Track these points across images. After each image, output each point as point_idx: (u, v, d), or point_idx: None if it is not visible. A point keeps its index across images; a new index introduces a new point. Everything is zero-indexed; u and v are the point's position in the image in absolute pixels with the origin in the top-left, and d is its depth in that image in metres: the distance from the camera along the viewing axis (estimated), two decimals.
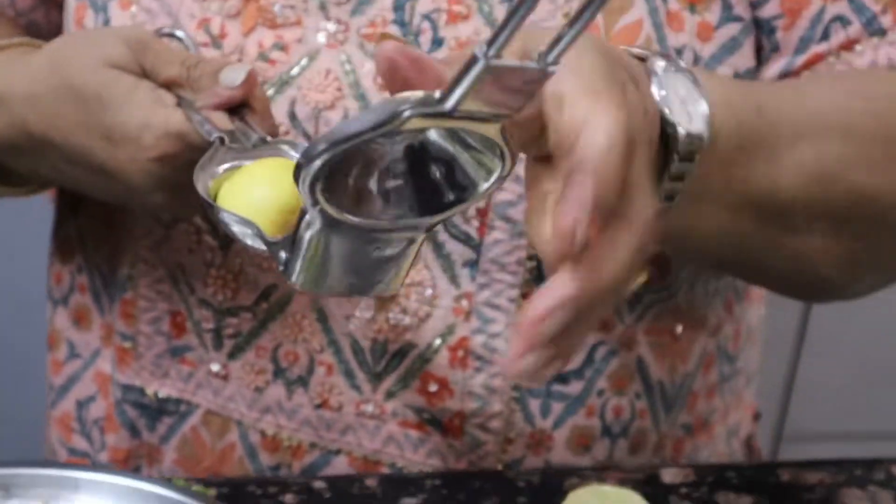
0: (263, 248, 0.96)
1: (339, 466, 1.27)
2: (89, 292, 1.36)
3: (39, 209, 1.49)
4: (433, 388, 1.23)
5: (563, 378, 1.24)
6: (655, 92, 0.93)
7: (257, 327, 1.26)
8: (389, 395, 1.24)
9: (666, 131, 0.94)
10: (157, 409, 1.32)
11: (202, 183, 1.03)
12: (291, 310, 1.24)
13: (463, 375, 1.23)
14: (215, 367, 1.28)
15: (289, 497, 1.17)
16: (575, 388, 1.25)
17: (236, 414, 1.29)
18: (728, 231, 1.04)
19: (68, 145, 1.11)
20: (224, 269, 1.25)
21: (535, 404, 1.25)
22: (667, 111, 0.93)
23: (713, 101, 0.96)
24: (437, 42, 1.17)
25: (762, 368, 1.50)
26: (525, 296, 1.21)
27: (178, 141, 1.08)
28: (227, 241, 1.24)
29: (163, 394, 1.31)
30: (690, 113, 0.95)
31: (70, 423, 1.41)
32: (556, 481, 1.20)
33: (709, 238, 1.05)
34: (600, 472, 1.22)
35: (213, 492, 1.14)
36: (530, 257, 1.20)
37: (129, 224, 1.29)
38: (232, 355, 1.27)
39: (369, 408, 1.25)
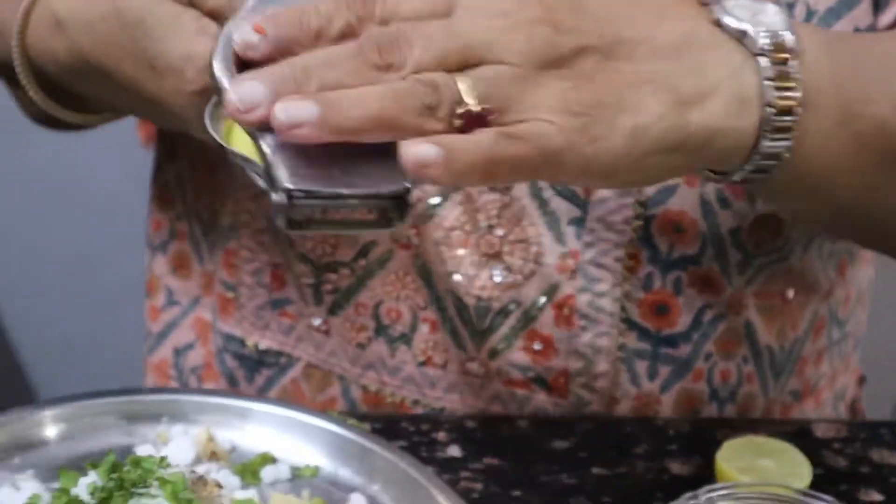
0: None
1: None
2: (189, 240, 1.36)
3: (142, 155, 1.49)
4: (538, 346, 1.22)
5: (670, 341, 1.23)
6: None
7: (356, 284, 1.25)
8: (493, 353, 1.23)
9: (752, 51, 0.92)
10: (256, 361, 1.32)
11: (212, 123, 0.97)
12: (392, 266, 1.23)
13: (568, 334, 1.21)
14: (316, 322, 1.28)
15: (441, 434, 1.18)
16: (682, 350, 1.23)
17: (338, 369, 1.29)
18: (848, 167, 0.99)
19: (119, 73, 1.07)
20: None
21: (641, 366, 1.23)
22: (730, 22, 0.92)
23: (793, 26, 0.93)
24: None
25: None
26: (631, 256, 1.20)
27: None
28: None
29: (263, 345, 1.31)
30: (763, 21, 0.93)
31: (167, 370, 1.41)
32: (708, 431, 1.20)
33: (827, 176, 0.99)
34: (752, 424, 1.22)
35: (366, 426, 1.16)
36: (637, 216, 1.18)
37: (230, 170, 1.28)
38: (332, 311, 1.27)
39: (474, 366, 1.24)
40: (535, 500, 1.12)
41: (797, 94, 0.92)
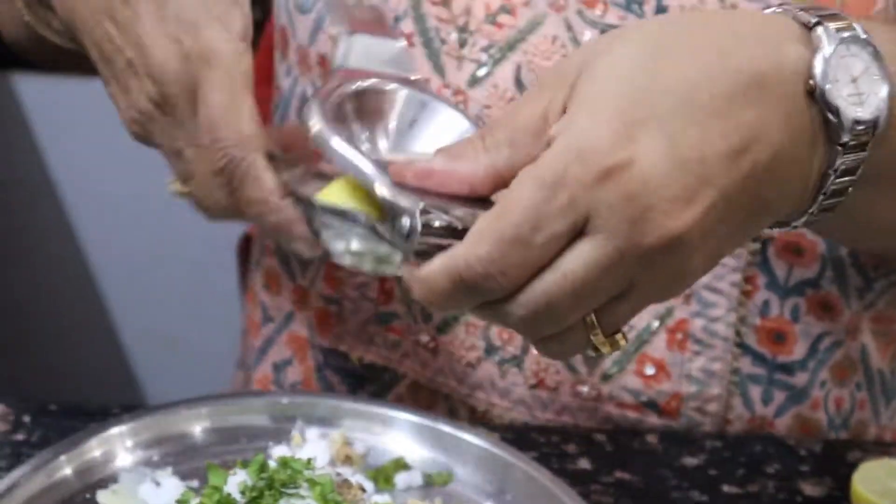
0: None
1: None
2: (276, 256, 1.34)
3: None
4: (650, 370, 1.21)
5: (786, 368, 1.22)
6: (818, 68, 0.87)
7: None
8: (605, 377, 1.22)
9: (827, 115, 0.88)
10: (360, 376, 1.30)
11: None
12: None
13: (681, 358, 1.20)
14: (424, 339, 1.25)
15: (570, 447, 1.19)
16: (800, 379, 1.22)
17: (445, 388, 1.26)
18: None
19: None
20: None
21: (755, 391, 1.22)
22: (829, 90, 0.87)
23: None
24: (661, 10, 1.13)
25: None
26: (747, 280, 1.18)
27: None
28: None
29: (367, 360, 1.29)
30: (863, 95, 0.88)
31: (269, 386, 1.39)
32: (839, 453, 1.19)
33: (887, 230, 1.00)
34: (885, 447, 1.21)
35: (496, 436, 1.17)
36: (754, 239, 1.17)
37: None
38: (441, 329, 1.25)
39: (585, 389, 1.23)
40: None
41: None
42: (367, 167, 0.91)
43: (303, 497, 0.93)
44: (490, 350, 1.24)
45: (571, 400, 1.24)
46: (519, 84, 1.17)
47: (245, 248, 1.52)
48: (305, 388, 1.36)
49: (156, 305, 2.57)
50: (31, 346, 2.48)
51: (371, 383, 1.30)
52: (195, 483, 1.09)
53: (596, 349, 0.89)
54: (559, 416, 1.24)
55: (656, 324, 1.20)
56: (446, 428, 1.14)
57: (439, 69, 1.18)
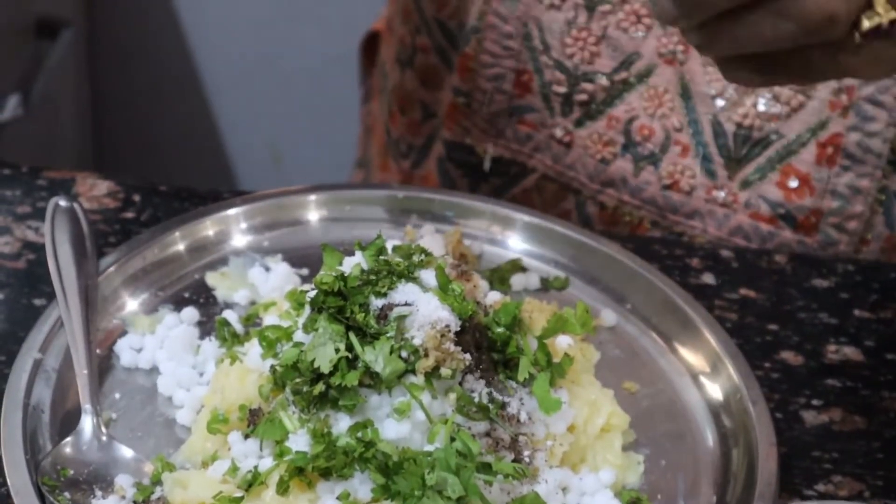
0: None
1: None
2: (434, 52, 1.30)
3: None
4: (793, 183, 1.17)
5: None
6: None
7: (612, 96, 1.20)
8: (745, 184, 1.18)
9: None
10: (484, 170, 1.28)
11: None
12: (653, 82, 1.18)
13: (828, 173, 1.15)
14: (558, 133, 1.23)
15: (695, 261, 1.14)
16: None
17: (575, 183, 1.24)
18: None
19: None
20: (587, 31, 1.18)
21: None
22: None
23: None
24: None
25: None
26: None
27: None
28: (594, 0, 1.17)
29: (494, 153, 1.27)
30: None
31: (434, 181, 1.35)
32: None
33: None
34: None
35: (617, 244, 1.12)
36: None
37: None
38: (579, 122, 1.22)
39: (721, 194, 1.19)
40: (792, 337, 1.07)
41: None
42: None
43: (421, 283, 0.89)
44: (628, 146, 1.21)
45: (703, 205, 1.20)
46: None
47: (369, 46, 1.48)
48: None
49: (263, 117, 2.54)
50: (144, 155, 2.47)
51: (496, 176, 1.27)
52: (305, 271, 1.06)
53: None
54: (689, 220, 1.21)
55: (807, 136, 1.15)
56: (568, 232, 1.09)
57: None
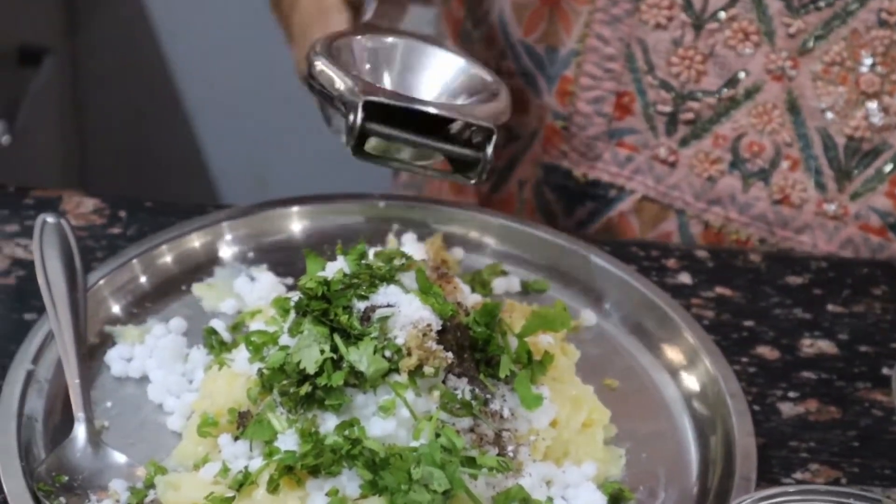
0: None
1: None
2: (519, 76, 1.29)
3: None
4: None
5: None
6: None
7: (719, 114, 1.20)
8: (855, 196, 1.19)
9: None
10: (580, 193, 1.27)
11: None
12: (761, 98, 1.18)
13: None
14: (662, 153, 1.22)
15: (671, 262, 1.16)
16: None
17: (679, 202, 1.24)
18: None
19: None
20: (693, 50, 1.18)
21: None
22: None
23: None
24: None
25: None
26: None
27: None
28: (701, 19, 1.17)
29: (592, 176, 1.26)
30: None
31: (514, 204, 1.34)
32: None
33: None
34: None
35: (595, 246, 1.14)
36: None
37: None
38: (684, 141, 1.21)
39: (832, 207, 1.19)
40: (768, 332, 1.09)
41: None
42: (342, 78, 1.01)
43: (402, 286, 0.91)
44: (736, 163, 1.21)
45: (814, 219, 1.21)
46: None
47: None
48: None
49: (248, 139, 2.56)
50: (129, 177, 2.49)
51: (593, 200, 1.27)
52: (290, 280, 1.08)
53: None
54: (799, 235, 1.22)
55: None
56: (545, 235, 1.12)
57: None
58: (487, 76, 1.09)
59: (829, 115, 1.17)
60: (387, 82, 1.09)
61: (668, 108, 1.21)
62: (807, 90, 1.17)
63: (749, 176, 1.21)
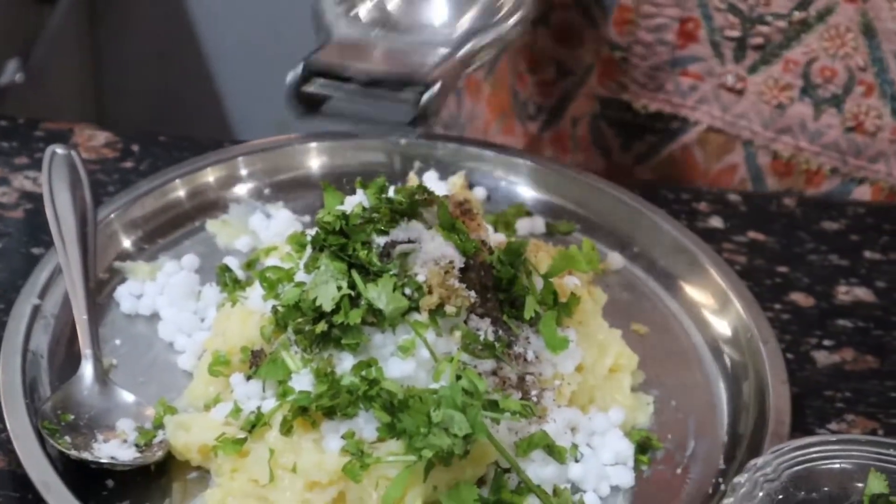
0: None
1: (859, 196, 1.17)
2: (574, 7, 1.24)
3: None
4: None
5: None
6: None
7: (790, 38, 1.15)
8: None
9: None
10: (640, 126, 1.22)
11: None
12: (834, 21, 1.13)
13: None
14: (730, 80, 1.17)
15: (703, 205, 1.12)
16: None
17: (746, 132, 1.19)
18: None
19: None
20: None
21: None
22: None
23: None
24: None
25: None
26: None
27: None
28: None
29: (653, 108, 1.21)
30: None
31: (566, 143, 1.30)
32: None
33: None
34: None
35: (623, 188, 1.10)
36: None
37: None
38: (753, 68, 1.16)
39: None
40: (802, 279, 1.05)
41: None
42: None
43: (424, 221, 0.87)
44: (807, 89, 1.16)
45: (888, 146, 1.16)
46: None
47: None
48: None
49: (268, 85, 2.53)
50: (145, 118, 2.46)
51: (652, 133, 1.23)
52: (307, 218, 1.04)
53: None
54: (873, 164, 1.17)
55: None
56: (574, 176, 1.08)
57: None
58: None
59: None
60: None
61: (735, 33, 1.15)
62: (882, 11, 1.11)
63: (821, 102, 1.15)
